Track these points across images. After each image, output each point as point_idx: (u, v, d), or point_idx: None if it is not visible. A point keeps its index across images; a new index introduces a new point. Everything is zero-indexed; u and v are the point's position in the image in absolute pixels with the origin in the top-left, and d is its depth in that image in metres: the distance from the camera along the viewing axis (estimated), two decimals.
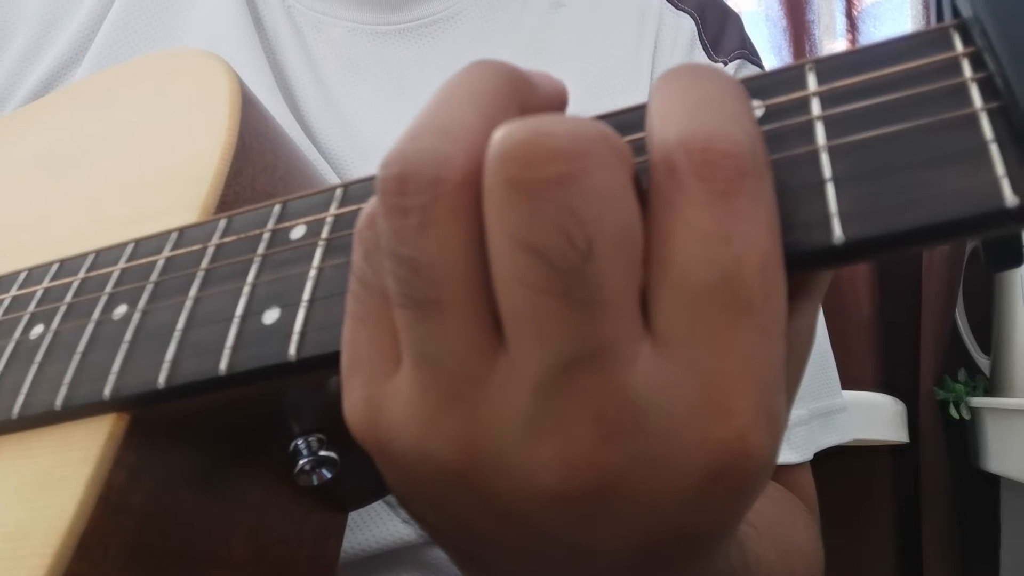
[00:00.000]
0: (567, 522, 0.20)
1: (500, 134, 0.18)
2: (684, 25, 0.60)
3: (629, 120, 0.22)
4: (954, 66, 0.20)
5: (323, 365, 0.24)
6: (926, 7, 1.47)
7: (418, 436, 0.20)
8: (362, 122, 0.52)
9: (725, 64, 0.58)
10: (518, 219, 0.17)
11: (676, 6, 0.60)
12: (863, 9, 1.54)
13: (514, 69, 0.21)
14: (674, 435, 0.18)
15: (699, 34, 0.60)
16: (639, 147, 0.21)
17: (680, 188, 0.18)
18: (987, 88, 0.19)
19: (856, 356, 1.30)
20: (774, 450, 0.19)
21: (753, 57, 0.61)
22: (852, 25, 1.54)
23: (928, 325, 1.31)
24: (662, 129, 0.19)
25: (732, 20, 0.62)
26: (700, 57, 0.59)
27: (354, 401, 0.21)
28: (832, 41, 1.57)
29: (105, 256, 0.32)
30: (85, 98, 0.45)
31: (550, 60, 0.56)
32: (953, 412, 1.26)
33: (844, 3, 1.54)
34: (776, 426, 0.19)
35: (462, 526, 0.23)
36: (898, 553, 1.27)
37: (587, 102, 0.54)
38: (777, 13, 1.58)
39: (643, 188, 0.19)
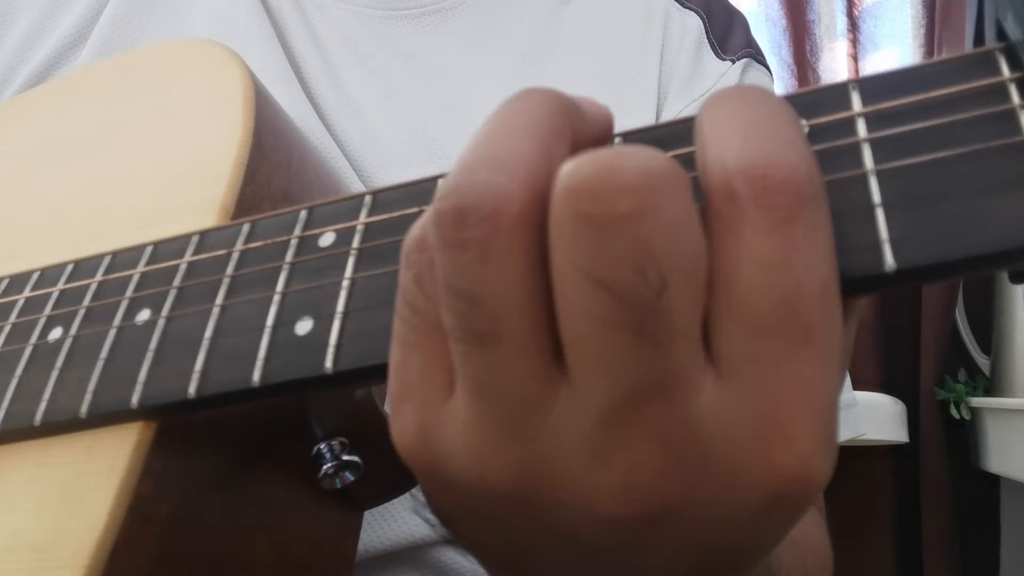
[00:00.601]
0: (623, 546, 0.20)
1: (569, 168, 0.17)
2: (691, 23, 0.60)
3: (666, 135, 0.22)
4: (1001, 91, 0.20)
5: (360, 378, 0.24)
6: (926, 7, 1.47)
7: (476, 463, 0.20)
8: (370, 108, 0.52)
9: (732, 63, 0.58)
10: (588, 253, 0.17)
11: (683, 4, 0.60)
12: (864, 9, 1.54)
13: (564, 96, 0.21)
14: (737, 463, 0.18)
15: (706, 32, 0.59)
16: (684, 162, 0.20)
17: (741, 216, 0.18)
18: None
19: (856, 356, 1.30)
20: (831, 473, 0.19)
21: (759, 56, 0.61)
22: (853, 25, 1.54)
23: (928, 325, 1.31)
24: (719, 154, 0.18)
25: (738, 19, 0.62)
26: (707, 56, 0.59)
27: (406, 425, 0.21)
28: (832, 41, 1.58)
29: (122, 258, 0.31)
30: (90, 87, 0.45)
31: (555, 56, 0.56)
32: (953, 412, 1.26)
33: (845, 3, 1.54)
34: (833, 449, 0.19)
35: (509, 547, 0.23)
36: (898, 553, 1.28)
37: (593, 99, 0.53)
38: (777, 13, 1.58)
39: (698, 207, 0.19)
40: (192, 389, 0.26)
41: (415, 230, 0.21)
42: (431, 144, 0.51)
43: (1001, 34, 0.21)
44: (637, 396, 0.18)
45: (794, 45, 1.57)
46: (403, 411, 0.21)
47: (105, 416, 0.28)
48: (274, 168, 0.36)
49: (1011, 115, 0.19)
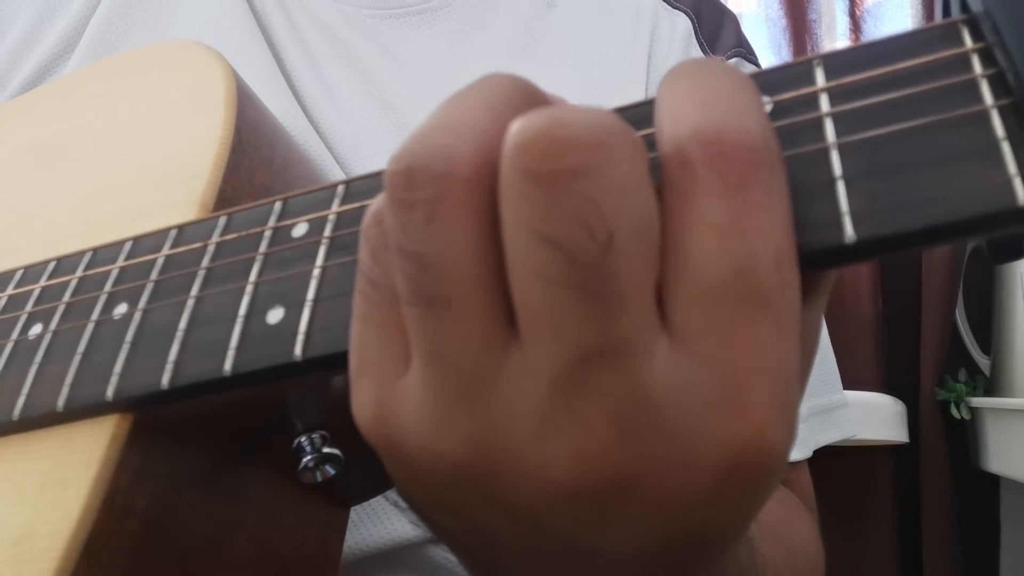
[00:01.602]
0: (580, 522, 0.20)
1: (517, 125, 0.18)
2: (680, 24, 0.60)
3: (634, 116, 0.22)
4: (964, 62, 0.20)
5: (330, 365, 0.24)
6: (926, 6, 1.47)
7: (430, 436, 0.20)
8: (356, 106, 0.52)
9: None
10: (536, 211, 0.17)
11: (672, 5, 0.60)
12: (865, 9, 1.54)
13: (526, 81, 0.21)
14: (691, 431, 0.18)
15: (695, 33, 0.60)
16: (648, 143, 0.20)
17: (694, 181, 0.18)
18: (998, 85, 0.19)
19: (856, 356, 1.30)
20: (789, 444, 0.19)
21: (750, 56, 0.61)
22: (855, 25, 1.54)
23: (928, 325, 1.31)
24: (673, 122, 0.18)
25: (728, 19, 0.62)
26: (696, 56, 0.59)
27: (364, 402, 0.21)
28: (833, 41, 1.57)
29: (103, 254, 0.31)
30: (77, 91, 0.45)
31: (541, 58, 0.56)
32: (953, 412, 1.26)
33: (847, 2, 1.54)
34: (791, 420, 0.19)
35: (473, 528, 0.22)
36: (898, 553, 1.27)
37: (580, 101, 0.53)
38: (777, 13, 1.58)
39: (656, 183, 0.19)
40: (165, 380, 0.26)
41: (373, 205, 0.21)
42: None
43: (965, 6, 0.20)
44: (586, 360, 0.18)
45: (794, 45, 1.57)
46: (361, 386, 0.21)
47: (81, 409, 0.28)
48: (256, 165, 0.36)
49: (972, 85, 0.19)
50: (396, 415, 0.21)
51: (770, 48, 1.56)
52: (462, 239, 0.18)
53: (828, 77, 0.21)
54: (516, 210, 0.18)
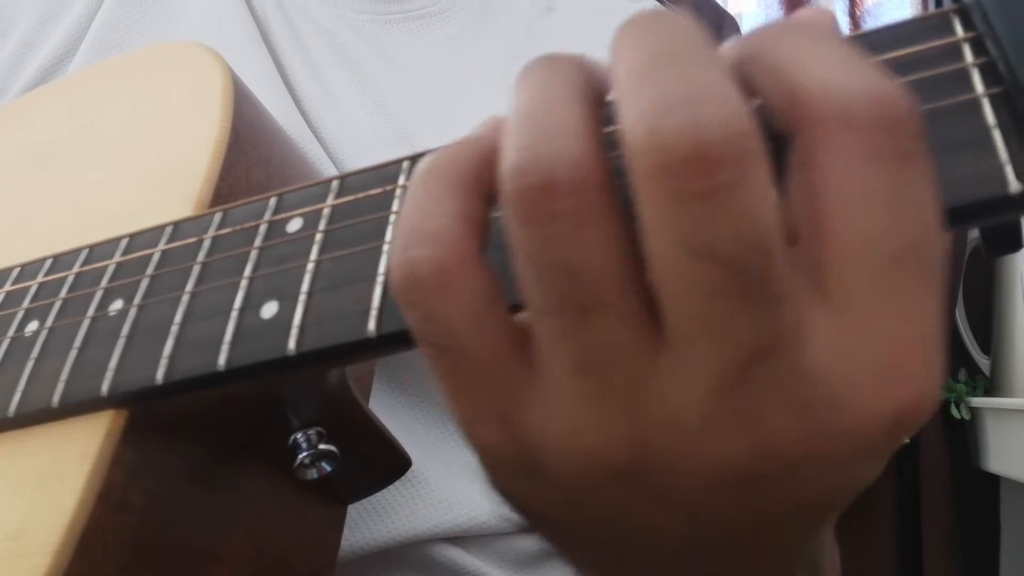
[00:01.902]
0: (743, 505, 0.20)
1: (655, 141, 0.17)
2: None
3: None
4: (955, 51, 0.20)
5: (323, 359, 0.24)
6: (925, 6, 1.47)
7: (587, 448, 0.20)
8: (355, 110, 0.52)
9: None
10: (690, 228, 0.17)
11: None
12: (865, 9, 1.54)
13: (585, 60, 0.21)
14: (859, 401, 0.18)
15: None
16: None
17: (858, 150, 0.17)
18: (989, 74, 0.19)
19: None
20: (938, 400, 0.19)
21: None
22: (855, 24, 1.54)
23: None
24: (825, 89, 0.17)
25: (727, 21, 0.62)
26: None
27: (495, 445, 0.21)
28: None
29: (99, 251, 0.31)
30: (76, 92, 0.45)
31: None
32: (953, 412, 1.26)
33: (846, 2, 1.54)
34: (940, 377, 0.19)
35: (617, 531, 0.23)
36: (898, 553, 1.27)
37: None
38: (777, 13, 1.58)
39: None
40: (160, 375, 0.26)
41: (399, 270, 0.20)
42: (416, 146, 0.51)
43: None
44: (752, 359, 0.18)
45: None
46: (483, 433, 0.21)
47: (76, 405, 0.28)
48: (252, 164, 0.36)
49: (963, 74, 0.19)
50: (538, 444, 0.21)
51: None
52: (608, 243, 0.18)
53: None
54: (667, 228, 0.17)
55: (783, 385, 0.18)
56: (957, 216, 0.18)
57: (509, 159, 0.18)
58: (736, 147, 0.16)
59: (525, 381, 0.20)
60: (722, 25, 0.63)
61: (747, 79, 0.19)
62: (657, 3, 0.61)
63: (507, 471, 0.22)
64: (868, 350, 0.18)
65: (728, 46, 0.20)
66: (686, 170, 0.17)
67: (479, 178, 0.20)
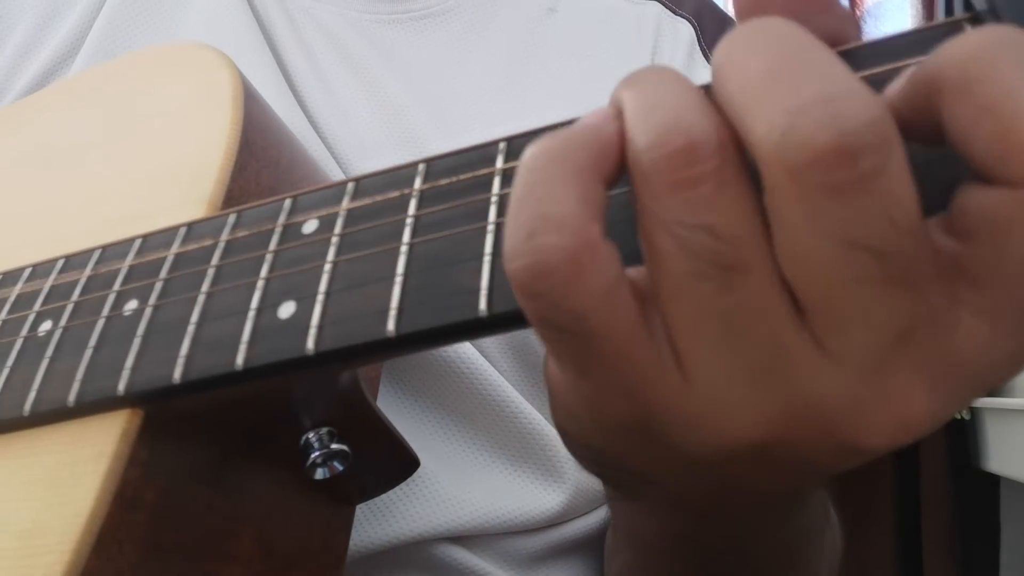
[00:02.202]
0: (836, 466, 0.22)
1: (795, 139, 0.17)
2: (683, 30, 0.60)
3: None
4: None
5: (341, 358, 0.24)
6: (926, 6, 1.47)
7: (721, 426, 0.20)
8: (358, 110, 0.52)
9: None
10: (839, 220, 0.18)
11: (674, 12, 0.60)
12: (865, 9, 1.54)
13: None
14: (989, 382, 0.20)
15: (698, 40, 0.60)
16: None
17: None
18: None
19: None
20: None
21: None
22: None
23: None
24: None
25: (730, 26, 0.62)
26: (699, 62, 0.59)
27: (616, 417, 0.22)
28: None
29: (112, 252, 0.31)
30: (83, 92, 0.45)
31: (543, 61, 0.56)
32: None
33: (846, 2, 1.54)
34: None
35: (728, 484, 0.23)
36: (898, 553, 1.27)
37: (579, 107, 0.53)
38: None
39: None
40: (177, 374, 0.26)
41: (523, 259, 0.19)
42: (419, 146, 0.51)
43: (968, 4, 0.21)
44: (899, 341, 0.19)
45: None
46: (611, 408, 0.21)
47: (92, 404, 0.28)
48: (262, 166, 0.36)
49: None
50: (669, 419, 0.21)
51: None
52: (747, 206, 0.19)
53: None
54: (813, 223, 0.18)
55: (931, 368, 0.19)
56: None
57: (647, 134, 0.19)
58: (876, 135, 0.17)
59: (655, 357, 0.21)
60: (724, 30, 0.63)
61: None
62: (660, 7, 0.61)
63: (621, 439, 0.22)
64: (1007, 347, 0.19)
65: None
66: (830, 163, 0.17)
67: (598, 162, 0.20)
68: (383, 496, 0.38)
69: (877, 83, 0.20)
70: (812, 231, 0.18)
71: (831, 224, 0.18)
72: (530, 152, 0.21)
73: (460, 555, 0.46)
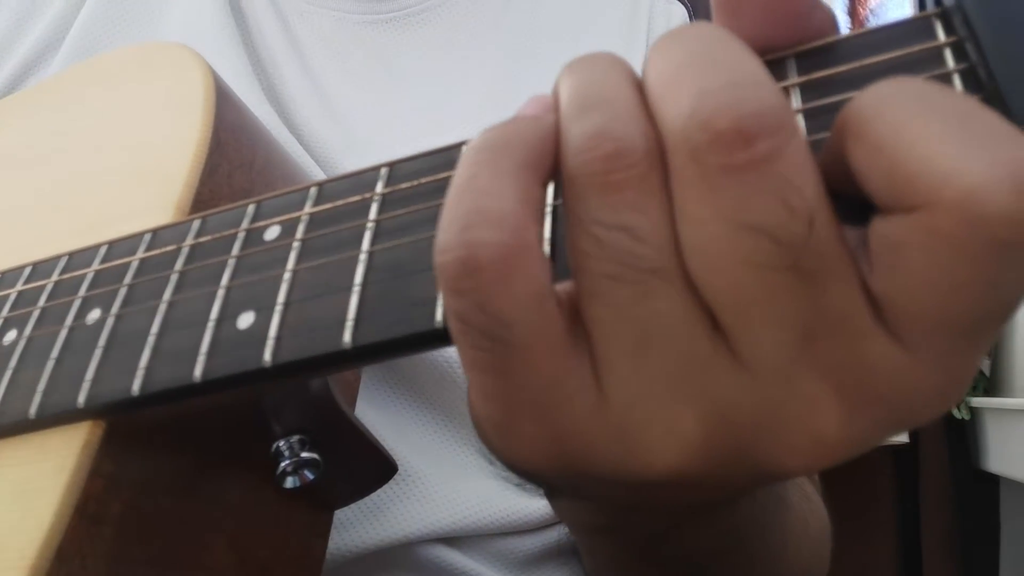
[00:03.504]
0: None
1: (698, 119, 0.18)
2: (676, 12, 0.60)
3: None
4: (937, 56, 0.19)
5: (298, 371, 0.23)
6: (924, 7, 1.47)
7: (646, 440, 0.20)
8: (354, 113, 0.52)
9: None
10: (734, 201, 0.18)
11: None
12: (869, 8, 1.54)
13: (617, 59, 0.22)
14: (917, 409, 0.19)
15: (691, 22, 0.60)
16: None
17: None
18: (970, 79, 0.19)
19: None
20: None
21: None
22: (856, 25, 1.53)
23: None
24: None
25: None
26: None
27: (534, 443, 0.21)
28: None
29: (78, 258, 0.31)
30: (55, 94, 0.45)
31: (537, 52, 0.56)
32: (953, 412, 1.26)
33: (846, 2, 1.54)
34: None
35: (649, 496, 0.23)
36: (898, 553, 1.27)
37: None
38: None
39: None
40: (136, 387, 0.25)
41: (454, 253, 0.19)
42: (412, 145, 0.51)
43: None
44: (808, 339, 0.18)
45: None
46: (524, 432, 0.21)
47: (54, 417, 0.27)
48: (234, 168, 0.35)
49: (945, 80, 0.19)
50: (585, 438, 0.20)
51: None
52: (667, 213, 0.19)
53: (800, 71, 0.20)
54: (712, 206, 0.18)
55: (840, 373, 0.19)
56: None
57: (578, 134, 0.19)
58: (775, 120, 0.17)
59: (576, 371, 0.20)
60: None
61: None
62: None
63: (543, 465, 0.22)
64: (928, 379, 0.19)
65: None
66: (728, 142, 0.17)
67: (540, 159, 0.20)
68: (372, 496, 0.38)
69: (850, 80, 0.20)
70: (711, 215, 0.18)
71: (728, 205, 0.18)
72: (472, 144, 0.20)
73: (451, 556, 0.45)
